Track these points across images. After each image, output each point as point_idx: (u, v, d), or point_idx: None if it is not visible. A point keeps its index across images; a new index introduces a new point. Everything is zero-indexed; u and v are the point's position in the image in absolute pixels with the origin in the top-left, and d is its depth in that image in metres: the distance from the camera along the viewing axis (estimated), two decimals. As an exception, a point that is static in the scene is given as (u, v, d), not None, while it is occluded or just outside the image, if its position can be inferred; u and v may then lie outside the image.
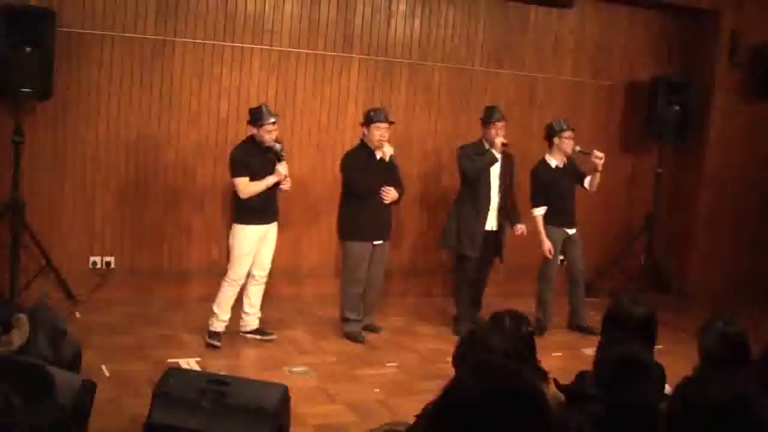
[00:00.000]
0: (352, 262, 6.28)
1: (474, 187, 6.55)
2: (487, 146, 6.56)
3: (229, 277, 5.91)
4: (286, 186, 5.95)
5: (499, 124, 6.56)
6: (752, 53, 8.32)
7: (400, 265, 7.55)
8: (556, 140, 6.73)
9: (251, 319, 6.11)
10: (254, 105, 6.08)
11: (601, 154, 6.61)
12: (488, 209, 6.57)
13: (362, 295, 6.36)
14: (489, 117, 6.61)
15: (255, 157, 5.84)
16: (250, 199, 5.81)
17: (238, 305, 6.05)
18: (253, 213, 5.85)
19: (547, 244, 6.70)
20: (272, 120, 5.85)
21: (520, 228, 6.72)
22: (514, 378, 1.72)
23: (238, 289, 5.94)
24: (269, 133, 5.84)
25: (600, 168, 6.66)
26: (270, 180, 5.85)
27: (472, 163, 6.51)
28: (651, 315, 3.48)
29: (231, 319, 6.05)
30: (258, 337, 6.10)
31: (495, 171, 6.56)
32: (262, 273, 6.04)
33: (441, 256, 7.18)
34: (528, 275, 7.13)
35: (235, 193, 5.89)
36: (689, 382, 2.11)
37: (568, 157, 6.80)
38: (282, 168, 5.87)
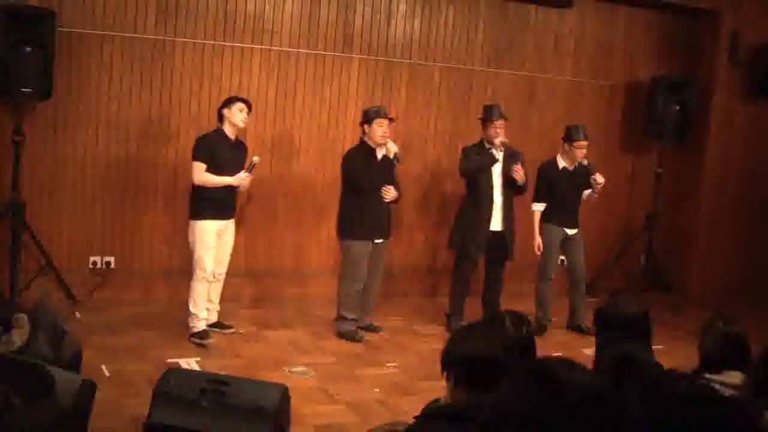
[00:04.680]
0: (351, 261, 6.26)
1: (475, 187, 6.53)
2: (487, 146, 6.55)
3: (198, 276, 5.91)
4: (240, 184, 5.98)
5: (499, 123, 6.51)
6: (752, 53, 8.31)
7: (401, 265, 7.54)
8: (566, 146, 6.77)
9: (211, 314, 6.14)
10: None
11: (601, 180, 6.64)
12: (491, 210, 6.53)
13: (361, 295, 6.35)
14: (488, 116, 6.56)
15: (224, 151, 5.86)
16: (207, 192, 5.80)
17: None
18: (210, 208, 5.85)
19: (537, 240, 6.74)
20: (240, 97, 5.97)
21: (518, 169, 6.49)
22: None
23: (207, 284, 5.96)
24: (242, 112, 5.90)
25: (597, 191, 6.74)
26: (227, 180, 5.84)
27: (468, 163, 6.50)
28: (641, 312, 3.46)
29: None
30: (217, 330, 6.09)
31: (497, 170, 6.52)
32: (220, 270, 6.07)
33: (442, 256, 7.17)
34: (528, 275, 7.13)
35: (192, 187, 5.88)
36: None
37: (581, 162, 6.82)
38: (244, 177, 5.89)
